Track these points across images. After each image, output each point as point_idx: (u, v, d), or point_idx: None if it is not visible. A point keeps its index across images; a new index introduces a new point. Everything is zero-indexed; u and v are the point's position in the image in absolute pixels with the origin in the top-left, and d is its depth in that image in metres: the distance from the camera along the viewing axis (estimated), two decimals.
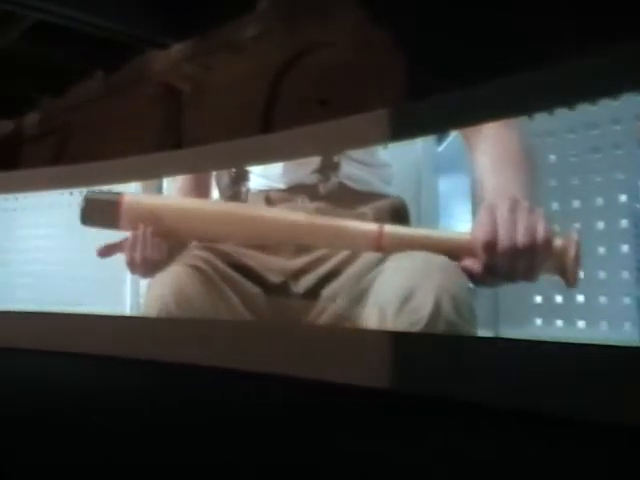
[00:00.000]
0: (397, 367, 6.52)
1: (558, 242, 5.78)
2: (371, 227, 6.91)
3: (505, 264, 5.90)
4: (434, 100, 6.67)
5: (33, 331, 9.81)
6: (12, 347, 9.65)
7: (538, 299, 6.01)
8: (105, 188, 9.09)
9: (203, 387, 7.21)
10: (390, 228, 6.85)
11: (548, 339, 5.80)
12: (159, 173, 9.13)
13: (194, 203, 8.36)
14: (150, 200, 8.60)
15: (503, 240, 5.86)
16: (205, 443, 4.76)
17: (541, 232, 5.76)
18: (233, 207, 7.94)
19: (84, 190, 8.94)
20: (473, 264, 6.07)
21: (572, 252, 5.74)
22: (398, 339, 6.57)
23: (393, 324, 6.45)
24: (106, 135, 11.67)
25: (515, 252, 5.82)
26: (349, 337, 7.00)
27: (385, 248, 6.78)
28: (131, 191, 9.11)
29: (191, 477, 4.06)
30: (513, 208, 5.87)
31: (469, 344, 6.15)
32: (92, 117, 12.20)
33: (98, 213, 8.17)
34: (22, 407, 6.15)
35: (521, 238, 5.77)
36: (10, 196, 11.05)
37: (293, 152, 7.77)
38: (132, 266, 7.94)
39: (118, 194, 8.31)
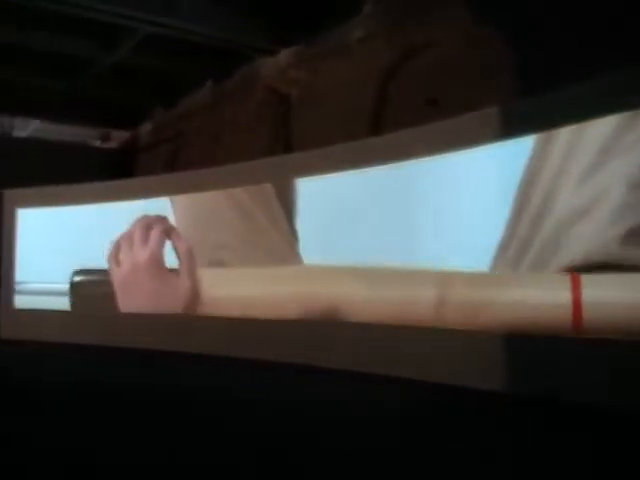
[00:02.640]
0: (510, 369, 6.49)
1: None
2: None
3: None
4: (543, 98, 6.56)
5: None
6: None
7: None
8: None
9: (316, 387, 7.39)
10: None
11: None
12: (271, 177, 9.26)
13: None
14: None
15: None
16: (320, 440, 4.87)
17: None
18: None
19: None
20: None
21: None
22: (511, 341, 6.54)
23: None
24: (217, 142, 11.96)
25: None
26: (462, 339, 6.98)
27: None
28: None
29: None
30: None
31: (582, 347, 5.99)
32: (203, 125, 12.55)
33: None
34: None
35: None
36: None
37: (403, 153, 7.75)
38: None
39: None
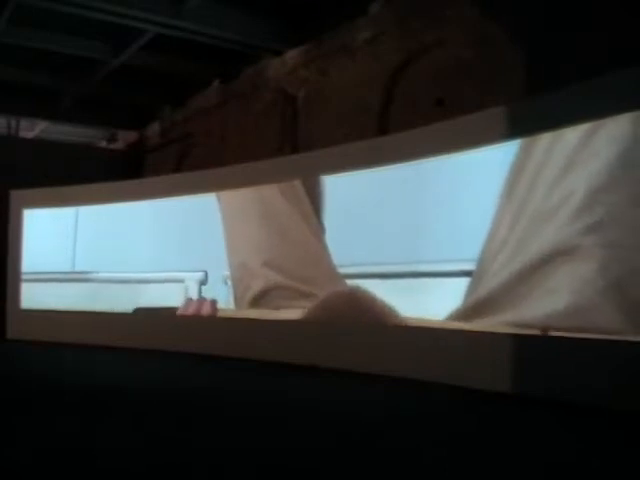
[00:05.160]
0: (518, 370, 6.49)
1: None
2: None
3: None
4: (552, 97, 6.56)
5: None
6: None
7: None
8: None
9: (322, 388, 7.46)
10: None
11: None
12: (278, 178, 9.32)
13: None
14: None
15: None
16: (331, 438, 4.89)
17: None
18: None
19: None
20: None
21: None
22: (518, 341, 6.55)
23: None
24: (225, 142, 11.97)
25: None
26: (468, 339, 7.01)
27: None
28: None
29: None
30: None
31: (591, 347, 6.00)
32: (211, 125, 12.55)
33: None
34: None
35: None
36: None
37: (411, 153, 7.77)
38: None
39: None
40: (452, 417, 5.84)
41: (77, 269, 11.75)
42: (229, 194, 9.92)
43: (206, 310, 9.84)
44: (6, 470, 4.04)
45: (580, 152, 6.07)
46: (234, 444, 4.76)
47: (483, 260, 6.90)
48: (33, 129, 15.99)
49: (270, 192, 9.25)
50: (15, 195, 12.61)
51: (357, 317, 8.16)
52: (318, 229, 8.70)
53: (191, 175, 11.10)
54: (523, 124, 6.75)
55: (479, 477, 4.07)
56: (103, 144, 16.56)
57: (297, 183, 9.03)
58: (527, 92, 7.25)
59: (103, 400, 6.47)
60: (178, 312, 10.23)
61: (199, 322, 10.09)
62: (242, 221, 9.58)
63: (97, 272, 11.37)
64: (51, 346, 10.83)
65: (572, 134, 6.19)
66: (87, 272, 11.50)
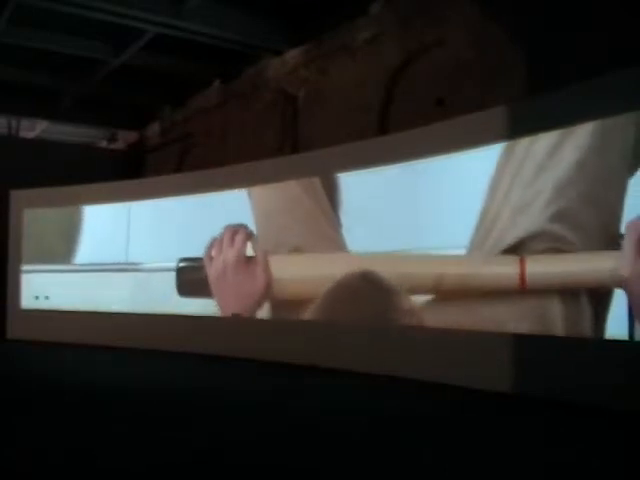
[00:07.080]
0: (518, 370, 6.50)
1: None
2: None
3: None
4: (552, 97, 6.57)
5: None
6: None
7: None
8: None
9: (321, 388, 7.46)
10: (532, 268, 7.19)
11: None
12: (278, 177, 9.35)
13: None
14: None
15: None
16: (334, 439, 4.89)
17: None
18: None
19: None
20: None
21: None
22: (518, 341, 6.58)
23: None
24: (225, 142, 11.98)
25: None
26: (469, 340, 7.01)
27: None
28: None
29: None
30: None
31: (591, 347, 6.03)
32: (211, 125, 12.56)
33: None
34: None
35: None
36: None
37: (411, 153, 7.78)
38: None
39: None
40: (452, 417, 5.84)
41: (130, 260, 11.96)
42: (259, 191, 10.17)
43: (242, 234, 10.23)
44: (6, 470, 4.03)
45: (549, 158, 6.98)
46: (234, 444, 4.76)
47: (474, 245, 7.60)
48: (33, 129, 15.99)
49: (295, 190, 9.59)
50: (15, 195, 12.60)
51: (369, 294, 8.43)
52: (335, 221, 9.11)
53: (191, 175, 11.11)
54: (523, 124, 6.79)
55: (479, 477, 4.07)
56: (103, 144, 16.56)
57: (317, 182, 9.28)
58: (527, 92, 7.27)
59: (103, 400, 6.48)
60: (217, 240, 10.51)
61: (199, 322, 10.13)
62: (271, 214, 10.07)
63: (146, 263, 11.59)
64: (51, 346, 10.86)
65: (543, 143, 6.95)
66: (138, 263, 11.74)
